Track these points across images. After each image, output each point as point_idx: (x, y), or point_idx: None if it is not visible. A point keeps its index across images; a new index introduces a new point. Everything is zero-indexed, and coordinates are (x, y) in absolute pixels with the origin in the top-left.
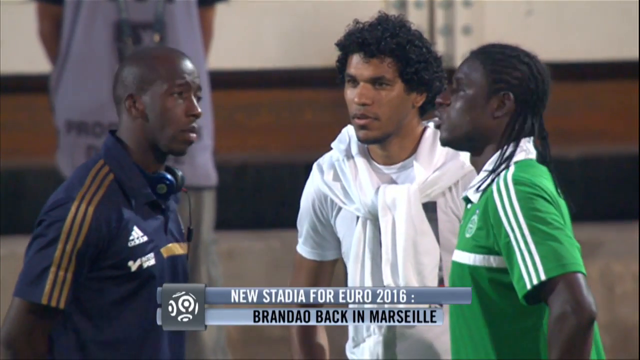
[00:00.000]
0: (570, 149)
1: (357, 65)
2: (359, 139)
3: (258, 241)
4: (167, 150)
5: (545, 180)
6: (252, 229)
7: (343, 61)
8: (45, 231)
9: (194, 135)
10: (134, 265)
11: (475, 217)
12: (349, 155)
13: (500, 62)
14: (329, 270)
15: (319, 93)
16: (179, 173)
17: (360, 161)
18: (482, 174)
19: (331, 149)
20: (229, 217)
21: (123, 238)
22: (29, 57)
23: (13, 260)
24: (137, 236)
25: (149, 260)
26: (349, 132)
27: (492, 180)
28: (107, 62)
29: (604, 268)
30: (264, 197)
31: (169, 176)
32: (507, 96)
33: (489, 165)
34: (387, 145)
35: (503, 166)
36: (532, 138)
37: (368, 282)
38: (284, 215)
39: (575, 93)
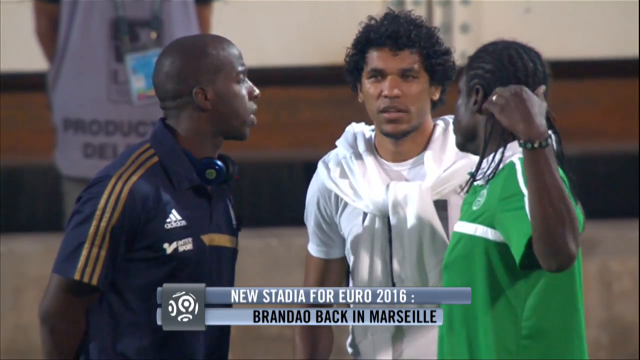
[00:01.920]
0: (567, 146)
1: (385, 58)
2: (387, 133)
3: (256, 239)
4: (234, 136)
5: None
6: (250, 227)
7: (360, 58)
8: (81, 208)
9: (255, 117)
10: (169, 248)
11: (484, 191)
12: (356, 153)
13: (474, 59)
14: (337, 269)
15: (317, 91)
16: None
17: (369, 158)
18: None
19: (334, 146)
20: None
21: (159, 220)
22: (26, 55)
23: (12, 258)
24: (175, 219)
25: (186, 245)
26: (354, 130)
27: (496, 168)
28: (104, 59)
29: (602, 266)
30: (262, 195)
31: (218, 162)
32: (478, 90)
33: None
34: (401, 141)
35: (499, 157)
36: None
37: (377, 279)
38: (282, 214)
39: (573, 91)
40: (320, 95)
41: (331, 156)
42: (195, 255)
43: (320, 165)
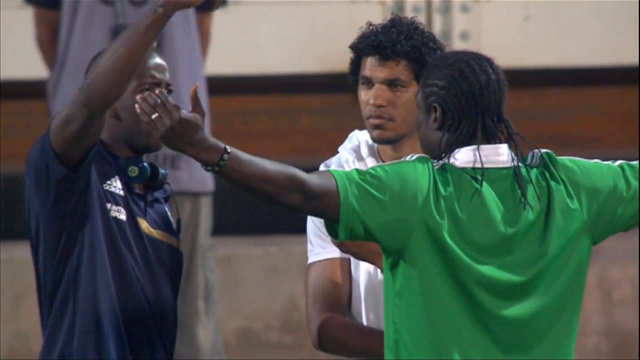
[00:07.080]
0: (567, 154)
1: (372, 67)
2: (374, 139)
3: (255, 247)
4: (144, 146)
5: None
6: (249, 234)
7: (357, 63)
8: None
9: None
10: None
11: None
12: (359, 158)
13: (428, 75)
14: (349, 269)
15: (316, 99)
16: (162, 171)
17: (371, 163)
18: None
19: (333, 154)
20: (226, 223)
21: (102, 176)
22: (26, 63)
23: (11, 265)
24: (114, 186)
25: (119, 214)
26: (357, 136)
27: None
28: None
29: (602, 273)
30: (261, 202)
31: (144, 162)
32: (436, 108)
33: None
34: (399, 147)
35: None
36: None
37: (374, 285)
38: (281, 221)
39: (573, 98)
40: (320, 103)
41: (333, 160)
42: (130, 229)
43: (321, 168)
